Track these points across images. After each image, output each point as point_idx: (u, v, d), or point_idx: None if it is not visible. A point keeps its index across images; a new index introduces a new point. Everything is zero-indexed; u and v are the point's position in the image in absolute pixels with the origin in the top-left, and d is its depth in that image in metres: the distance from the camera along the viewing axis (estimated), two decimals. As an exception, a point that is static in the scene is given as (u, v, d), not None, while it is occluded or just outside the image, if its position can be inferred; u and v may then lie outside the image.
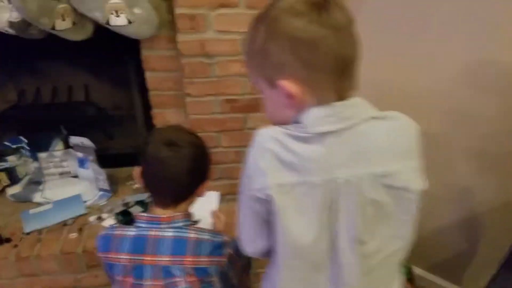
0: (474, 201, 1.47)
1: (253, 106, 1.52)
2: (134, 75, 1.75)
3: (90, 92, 1.89)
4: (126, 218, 1.57)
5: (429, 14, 1.32)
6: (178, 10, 1.30)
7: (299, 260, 0.71)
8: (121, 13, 1.25)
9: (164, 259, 0.95)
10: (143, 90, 1.76)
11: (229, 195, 1.69)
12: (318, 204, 0.67)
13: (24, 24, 1.24)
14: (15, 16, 1.21)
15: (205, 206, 1.36)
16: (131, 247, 0.96)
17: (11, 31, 1.24)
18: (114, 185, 1.78)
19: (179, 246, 0.96)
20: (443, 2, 1.28)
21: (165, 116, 1.59)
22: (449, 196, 1.52)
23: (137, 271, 0.96)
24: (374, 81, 1.34)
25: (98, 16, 1.25)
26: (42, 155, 1.77)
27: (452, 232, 1.59)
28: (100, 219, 1.60)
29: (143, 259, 0.95)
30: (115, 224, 1.54)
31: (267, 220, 0.71)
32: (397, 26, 1.38)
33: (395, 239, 0.73)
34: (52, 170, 1.81)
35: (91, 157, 1.72)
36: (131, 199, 1.70)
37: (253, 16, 0.69)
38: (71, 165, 1.82)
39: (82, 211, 1.64)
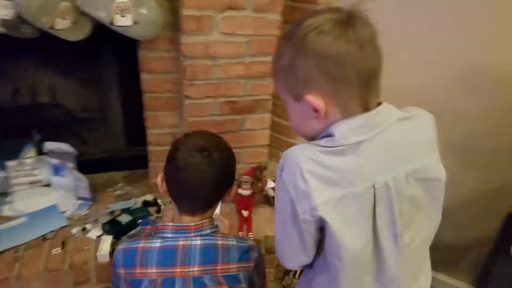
0: (460, 192, 1.65)
1: (252, 107, 1.55)
2: (114, 77, 1.68)
3: (57, 94, 1.76)
4: (114, 228, 1.50)
5: (423, 19, 1.45)
6: (185, 12, 1.29)
7: (353, 270, 0.74)
8: (127, 13, 1.20)
9: (195, 269, 0.93)
10: (126, 92, 1.70)
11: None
12: (363, 211, 0.70)
13: (18, 22, 1.14)
14: (9, 14, 1.10)
15: None
16: (159, 259, 0.93)
17: (1, 30, 1.12)
18: (92, 192, 1.68)
19: (209, 254, 0.95)
20: (437, 7, 1.41)
21: (158, 118, 1.54)
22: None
23: (167, 284, 0.93)
24: None
25: (102, 15, 1.19)
26: (11, 163, 1.61)
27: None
28: (84, 230, 1.51)
29: (173, 272, 0.93)
30: (110, 235, 1.46)
31: (314, 237, 0.74)
32: (393, 30, 1.49)
33: (426, 226, 0.80)
34: (22, 180, 1.67)
35: (70, 163, 1.62)
36: (115, 207, 1.63)
37: (280, 35, 0.73)
38: (43, 173, 1.69)
39: (63, 223, 1.53)
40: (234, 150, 1.60)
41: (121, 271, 0.95)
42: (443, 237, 1.74)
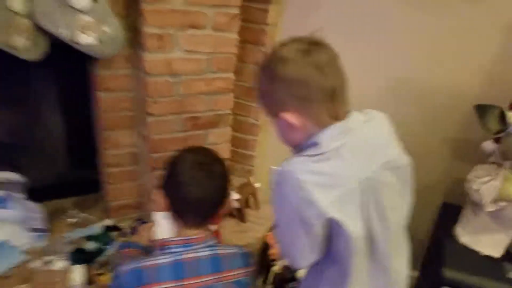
0: None
1: (214, 122, 1.58)
2: (56, 97, 1.60)
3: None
4: (82, 257, 1.43)
5: (360, 37, 1.61)
6: (147, 29, 1.29)
7: (359, 255, 0.83)
8: (90, 31, 1.18)
9: (208, 278, 0.97)
10: (70, 113, 1.62)
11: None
12: (356, 203, 0.81)
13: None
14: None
15: None
16: (173, 274, 0.95)
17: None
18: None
19: (216, 263, 0.99)
20: (372, 29, 1.59)
21: (116, 138, 1.50)
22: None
23: None
24: None
25: (64, 33, 1.15)
26: None
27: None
28: (48, 263, 1.41)
29: (189, 283, 0.95)
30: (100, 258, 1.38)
31: (322, 235, 0.81)
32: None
33: (403, 207, 0.93)
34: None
35: (18, 194, 1.50)
36: (74, 235, 1.54)
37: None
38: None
39: (21, 258, 1.42)
40: (197, 166, 1.63)
41: None
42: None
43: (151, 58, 1.34)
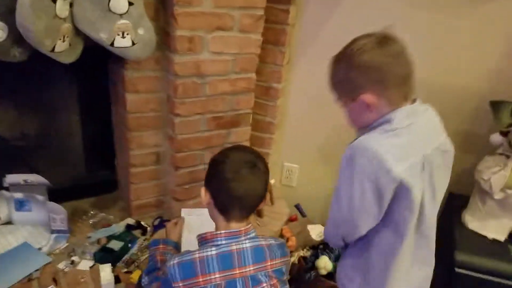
0: None
1: (236, 122, 1.64)
2: (73, 100, 1.62)
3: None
4: (108, 256, 1.46)
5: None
6: (178, 32, 1.33)
7: (413, 222, 0.97)
8: (127, 34, 1.20)
9: (251, 268, 1.02)
10: (87, 115, 1.64)
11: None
12: (418, 175, 0.94)
13: (10, 45, 1.07)
14: (2, 36, 1.03)
15: (207, 224, 1.41)
16: (220, 265, 0.99)
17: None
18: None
19: (258, 254, 1.04)
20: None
21: (142, 139, 1.53)
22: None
23: (230, 286, 1.00)
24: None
25: (103, 37, 1.17)
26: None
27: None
28: (73, 263, 1.43)
29: (234, 274, 1.00)
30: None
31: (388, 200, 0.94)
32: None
33: (444, 188, 1.06)
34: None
35: (41, 196, 1.51)
36: (97, 235, 1.57)
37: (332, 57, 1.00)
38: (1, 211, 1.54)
39: (45, 260, 1.43)
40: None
41: (180, 284, 0.97)
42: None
43: (181, 60, 1.39)
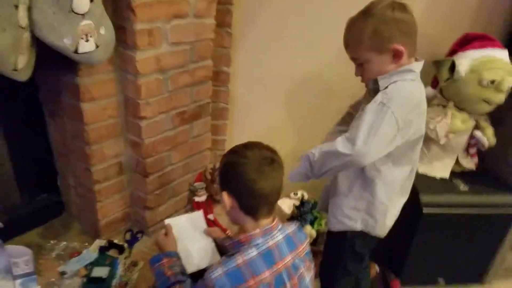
0: None
1: (198, 114, 1.59)
2: None
3: None
4: (98, 285, 1.34)
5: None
6: (138, 26, 1.22)
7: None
8: (91, 36, 1.06)
9: (289, 258, 1.07)
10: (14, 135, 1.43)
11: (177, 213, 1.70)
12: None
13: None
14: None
15: (196, 226, 1.39)
16: (265, 263, 1.02)
17: None
18: (26, 264, 1.38)
19: (290, 243, 1.10)
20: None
21: (103, 150, 1.39)
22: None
23: (278, 281, 1.03)
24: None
25: (67, 43, 1.02)
26: None
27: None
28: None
29: (278, 268, 1.04)
30: None
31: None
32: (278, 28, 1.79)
33: None
34: None
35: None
36: (70, 268, 1.41)
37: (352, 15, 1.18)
38: None
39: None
40: (185, 161, 1.64)
41: None
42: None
43: (142, 57, 1.29)
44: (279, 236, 1.08)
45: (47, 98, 1.42)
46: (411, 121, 1.12)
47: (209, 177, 1.72)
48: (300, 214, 1.87)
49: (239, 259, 1.01)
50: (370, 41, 1.14)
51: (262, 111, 1.96)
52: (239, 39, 1.75)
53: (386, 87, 1.13)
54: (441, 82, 1.66)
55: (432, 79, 1.82)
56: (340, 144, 1.10)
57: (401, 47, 1.12)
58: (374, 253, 1.58)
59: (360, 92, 1.93)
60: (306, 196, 1.96)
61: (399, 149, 1.15)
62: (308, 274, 1.14)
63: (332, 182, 1.37)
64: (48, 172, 1.59)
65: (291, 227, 1.15)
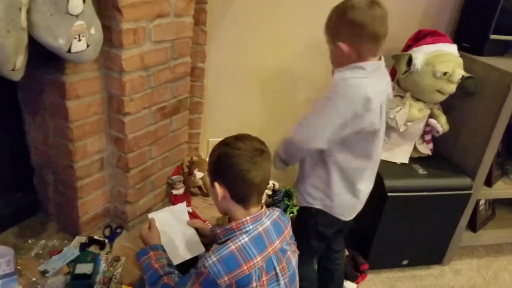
0: None
1: (177, 109, 1.66)
2: None
3: None
4: (83, 282, 1.37)
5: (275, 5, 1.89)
6: (124, 26, 1.27)
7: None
8: (83, 36, 1.10)
9: (277, 242, 1.16)
10: None
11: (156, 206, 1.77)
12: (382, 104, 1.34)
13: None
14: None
15: (179, 218, 1.47)
16: (257, 248, 1.10)
17: None
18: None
19: (277, 227, 1.19)
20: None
21: (86, 147, 1.42)
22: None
23: (268, 264, 1.12)
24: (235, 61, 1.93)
25: (61, 43, 1.05)
26: None
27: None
28: (46, 304, 1.32)
29: (268, 252, 1.12)
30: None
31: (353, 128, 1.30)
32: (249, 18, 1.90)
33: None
34: None
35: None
36: (53, 266, 1.44)
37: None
38: None
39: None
40: (164, 155, 1.70)
41: (225, 279, 1.03)
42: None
43: (127, 55, 1.34)
44: (267, 222, 1.16)
45: (28, 96, 1.42)
46: (362, 115, 1.26)
47: (186, 170, 1.79)
48: (273, 203, 1.99)
49: (232, 246, 1.08)
50: (328, 31, 1.32)
51: (235, 104, 2.07)
52: (213, 36, 1.84)
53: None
54: (399, 75, 1.84)
55: (390, 71, 2.01)
56: (292, 129, 1.35)
57: (345, 47, 1.27)
58: (345, 240, 1.75)
59: (329, 83, 2.11)
60: (277, 185, 2.09)
61: (353, 139, 1.33)
62: (294, 256, 1.24)
63: (300, 163, 1.51)
64: (23, 171, 1.58)
65: (275, 213, 1.23)
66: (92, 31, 1.16)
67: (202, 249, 1.43)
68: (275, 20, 1.92)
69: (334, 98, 1.26)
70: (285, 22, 1.94)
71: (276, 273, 1.13)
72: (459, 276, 2.17)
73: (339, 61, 1.33)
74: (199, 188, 1.89)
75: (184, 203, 1.55)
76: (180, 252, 1.40)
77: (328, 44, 1.35)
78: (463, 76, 1.80)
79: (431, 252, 2.15)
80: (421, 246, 2.10)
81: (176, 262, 1.31)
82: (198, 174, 1.83)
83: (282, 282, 1.14)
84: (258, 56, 1.98)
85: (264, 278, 1.09)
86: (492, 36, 1.93)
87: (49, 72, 1.29)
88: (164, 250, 1.31)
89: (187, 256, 1.40)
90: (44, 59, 1.22)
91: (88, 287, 1.38)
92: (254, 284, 1.07)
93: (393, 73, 1.96)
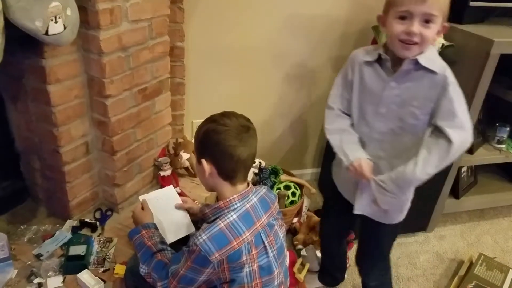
0: (293, 112, 2.35)
1: (158, 90, 1.68)
2: None
3: None
4: (79, 262, 1.43)
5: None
6: (100, 6, 1.28)
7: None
8: (59, 17, 1.12)
9: (264, 217, 1.20)
10: None
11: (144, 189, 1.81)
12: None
13: None
14: None
15: (169, 200, 1.51)
16: (245, 224, 1.14)
17: None
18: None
19: (264, 203, 1.22)
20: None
21: (70, 131, 1.45)
22: (281, 110, 2.31)
23: (257, 239, 1.16)
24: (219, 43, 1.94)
25: (38, 26, 1.07)
26: None
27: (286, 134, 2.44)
28: (42, 285, 1.36)
29: (256, 228, 1.16)
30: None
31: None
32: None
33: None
34: None
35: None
36: (47, 249, 1.49)
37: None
38: None
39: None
40: (149, 137, 1.73)
41: (216, 255, 1.07)
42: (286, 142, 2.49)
43: (105, 36, 1.35)
44: (254, 199, 1.20)
45: (7, 82, 1.44)
46: None
47: (172, 151, 1.83)
48: (260, 181, 2.04)
49: (221, 224, 1.11)
50: (446, 6, 1.18)
51: (217, 85, 2.09)
52: (191, 14, 1.85)
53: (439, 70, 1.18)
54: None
55: (371, 43, 2.05)
56: (455, 136, 1.18)
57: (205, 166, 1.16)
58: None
59: (307, 59, 2.15)
60: (263, 164, 2.13)
61: None
62: (281, 230, 1.28)
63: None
64: (9, 158, 1.61)
65: (262, 190, 1.27)
66: (68, 12, 1.18)
67: (192, 228, 1.47)
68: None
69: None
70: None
71: (265, 246, 1.17)
72: (443, 242, 2.26)
73: (433, 38, 1.20)
74: (186, 169, 1.93)
75: (172, 186, 1.58)
76: (172, 232, 1.44)
77: (432, 16, 1.16)
78: (443, 44, 1.83)
79: (416, 219, 2.20)
80: (409, 215, 2.15)
81: (168, 241, 1.36)
82: (184, 156, 1.87)
83: (271, 254, 1.18)
84: (237, 35, 2.00)
85: (253, 252, 1.13)
86: (472, 3, 1.92)
87: (27, 56, 1.30)
88: (156, 228, 1.35)
89: (179, 235, 1.44)
90: (22, 43, 1.23)
91: (82, 267, 1.43)
92: (244, 258, 1.11)
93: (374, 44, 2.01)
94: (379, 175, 1.30)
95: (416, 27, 1.13)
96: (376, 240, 1.54)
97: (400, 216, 1.45)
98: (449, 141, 1.18)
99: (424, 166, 1.21)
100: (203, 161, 1.16)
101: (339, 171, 1.47)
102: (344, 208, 1.46)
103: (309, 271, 1.88)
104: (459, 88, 1.20)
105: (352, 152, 1.31)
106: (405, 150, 1.29)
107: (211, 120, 1.18)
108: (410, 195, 1.41)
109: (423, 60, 1.18)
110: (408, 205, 1.44)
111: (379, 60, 1.26)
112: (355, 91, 1.33)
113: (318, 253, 1.89)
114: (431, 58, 1.20)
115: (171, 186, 1.59)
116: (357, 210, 1.40)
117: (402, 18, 1.15)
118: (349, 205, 1.43)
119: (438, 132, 1.22)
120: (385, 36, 1.88)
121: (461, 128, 1.19)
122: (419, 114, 1.24)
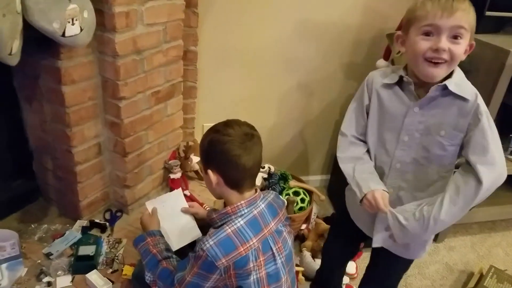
0: (303, 118, 2.35)
1: (171, 93, 1.70)
2: None
3: None
4: (88, 262, 1.44)
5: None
6: (117, 9, 1.30)
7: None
8: (76, 19, 1.14)
9: (272, 224, 1.20)
10: None
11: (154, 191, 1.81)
12: None
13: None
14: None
15: (176, 204, 1.51)
16: (252, 231, 1.13)
17: None
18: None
19: (272, 209, 1.22)
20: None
21: (83, 132, 1.46)
22: (292, 115, 2.32)
23: (264, 245, 1.15)
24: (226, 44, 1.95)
25: (56, 27, 1.09)
26: None
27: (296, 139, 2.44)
28: (51, 285, 1.38)
29: (264, 234, 1.16)
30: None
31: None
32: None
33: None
34: None
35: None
36: (56, 248, 1.51)
37: None
38: None
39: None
40: (160, 140, 1.75)
41: (223, 261, 1.07)
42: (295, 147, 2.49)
43: (121, 39, 1.37)
44: (261, 205, 1.19)
45: (23, 83, 1.46)
46: None
47: (182, 154, 1.84)
48: (269, 186, 2.04)
49: (228, 229, 1.11)
50: (474, 20, 1.07)
51: (229, 89, 2.10)
52: (205, 19, 1.86)
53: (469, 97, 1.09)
54: (394, 53, 1.88)
55: (383, 51, 2.04)
56: (486, 176, 1.06)
57: (212, 176, 1.14)
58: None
59: (319, 65, 2.15)
60: (272, 169, 2.14)
61: None
62: (289, 237, 1.27)
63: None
64: (22, 157, 1.63)
65: (270, 196, 1.27)
66: (85, 14, 1.20)
67: (199, 233, 1.47)
68: (267, 2, 1.95)
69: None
70: (278, 4, 1.97)
71: (273, 253, 1.16)
72: (453, 253, 2.23)
73: (462, 56, 1.10)
74: (196, 172, 1.94)
75: (180, 189, 1.59)
76: (178, 238, 1.44)
77: (461, 29, 1.06)
78: (457, 54, 1.82)
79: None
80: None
81: (174, 248, 1.35)
82: (195, 159, 1.88)
83: (279, 261, 1.18)
84: (250, 39, 2.01)
85: (261, 259, 1.13)
86: (488, 13, 1.91)
87: (44, 57, 1.32)
88: (161, 235, 1.35)
89: (186, 241, 1.44)
90: (39, 44, 1.25)
91: (91, 268, 1.44)
92: (251, 265, 1.11)
93: (387, 53, 2.00)
94: (399, 206, 1.21)
95: (444, 42, 1.03)
96: (389, 272, 1.45)
97: (421, 253, 1.35)
98: (479, 181, 1.07)
99: (449, 208, 1.10)
100: (209, 171, 1.17)
101: (353, 198, 1.30)
102: (355, 235, 1.41)
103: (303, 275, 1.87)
104: (491, 118, 1.09)
105: (365, 182, 1.22)
106: (430, 183, 1.20)
107: (215, 130, 1.17)
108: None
109: (452, 85, 1.08)
110: (430, 242, 1.35)
111: (399, 82, 1.18)
112: (373, 116, 1.24)
113: (318, 261, 1.86)
114: (460, 83, 1.11)
115: (180, 189, 1.59)
116: (375, 243, 1.30)
117: (427, 34, 1.05)
118: (361, 231, 1.37)
119: (468, 167, 1.11)
120: (399, 57, 1.89)
121: (492, 164, 1.08)
122: (447, 145, 1.14)
